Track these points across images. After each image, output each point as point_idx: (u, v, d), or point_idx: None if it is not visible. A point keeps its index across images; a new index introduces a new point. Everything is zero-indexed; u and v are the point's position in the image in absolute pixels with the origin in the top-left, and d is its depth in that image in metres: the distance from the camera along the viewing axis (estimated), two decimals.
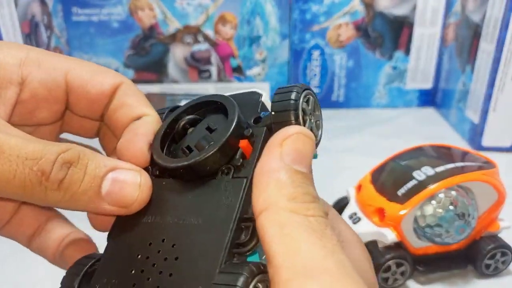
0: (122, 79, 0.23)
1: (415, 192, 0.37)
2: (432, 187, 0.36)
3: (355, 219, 0.39)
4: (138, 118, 0.22)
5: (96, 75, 0.23)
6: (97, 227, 0.22)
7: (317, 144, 0.20)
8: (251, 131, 0.20)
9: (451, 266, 0.40)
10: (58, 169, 0.18)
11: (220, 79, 0.78)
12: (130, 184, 0.20)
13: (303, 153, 0.18)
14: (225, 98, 0.21)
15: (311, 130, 0.20)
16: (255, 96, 0.22)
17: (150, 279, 0.18)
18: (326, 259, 0.15)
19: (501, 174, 0.39)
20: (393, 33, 0.75)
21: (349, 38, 0.75)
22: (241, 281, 0.15)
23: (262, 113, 0.21)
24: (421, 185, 0.37)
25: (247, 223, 0.18)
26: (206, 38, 0.75)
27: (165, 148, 0.21)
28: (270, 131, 0.20)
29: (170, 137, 0.22)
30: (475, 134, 0.63)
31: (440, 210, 0.36)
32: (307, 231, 0.16)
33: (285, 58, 0.76)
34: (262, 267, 0.16)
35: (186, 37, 0.75)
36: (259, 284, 0.16)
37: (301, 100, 0.20)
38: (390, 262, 0.37)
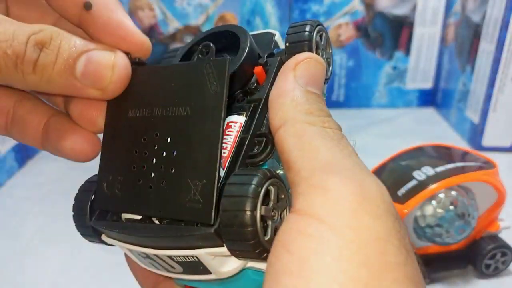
0: None
1: (415, 192, 0.37)
2: (432, 187, 0.36)
3: None
4: (85, 3, 0.20)
5: None
6: (83, 124, 0.21)
7: (327, 80, 0.21)
8: (265, 59, 0.20)
9: (451, 266, 0.40)
10: (31, 50, 0.18)
11: None
12: (104, 64, 0.19)
13: (315, 75, 0.19)
14: (237, 28, 0.21)
15: None
16: (269, 35, 0.22)
17: (153, 174, 0.18)
18: (345, 159, 0.16)
19: (501, 174, 0.39)
20: (393, 33, 0.75)
21: (349, 38, 0.75)
22: (255, 180, 0.16)
23: (275, 49, 0.22)
24: (421, 185, 0.37)
25: (260, 138, 0.19)
26: None
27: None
28: (284, 62, 0.20)
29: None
30: (475, 134, 0.63)
31: (440, 210, 0.36)
32: (325, 138, 0.17)
33: None
34: (274, 173, 0.17)
35: (186, 37, 0.75)
36: (271, 187, 0.16)
37: (314, 33, 0.20)
38: None
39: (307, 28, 0.20)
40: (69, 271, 0.42)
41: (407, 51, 0.76)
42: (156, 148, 0.19)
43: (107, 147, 0.20)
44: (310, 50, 0.20)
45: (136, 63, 0.20)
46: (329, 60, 0.22)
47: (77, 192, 0.21)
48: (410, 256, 0.15)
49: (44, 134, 0.22)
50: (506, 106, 0.60)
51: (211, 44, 0.21)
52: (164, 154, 0.18)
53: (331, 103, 0.78)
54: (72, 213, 0.20)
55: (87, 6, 0.19)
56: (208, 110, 0.18)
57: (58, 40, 0.18)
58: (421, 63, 0.77)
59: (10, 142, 0.58)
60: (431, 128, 0.72)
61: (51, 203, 0.53)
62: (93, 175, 0.21)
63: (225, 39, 0.21)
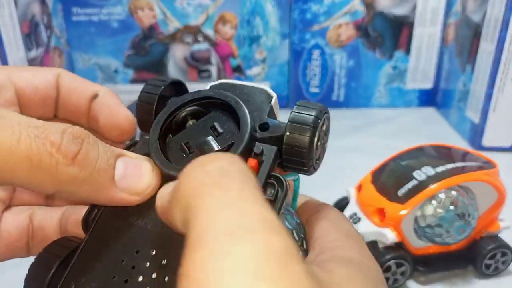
0: (58, 70, 0.23)
1: (415, 192, 0.37)
2: (432, 187, 0.36)
3: (355, 219, 0.39)
4: (94, 95, 0.22)
5: (38, 72, 0.23)
6: None
7: (318, 166, 0.20)
8: (261, 148, 0.19)
9: (451, 266, 0.40)
10: (70, 140, 0.16)
11: (220, 79, 0.78)
12: (144, 167, 0.18)
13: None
14: (237, 103, 0.19)
15: (318, 153, 0.20)
16: (266, 96, 0.20)
17: None
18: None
19: (501, 174, 0.39)
20: (393, 33, 0.75)
21: (349, 38, 0.75)
22: None
23: (270, 120, 0.20)
24: (422, 185, 0.37)
25: None
26: (206, 38, 0.75)
27: (158, 138, 0.19)
28: (280, 152, 0.19)
29: (165, 124, 0.20)
30: (475, 134, 0.63)
31: (440, 210, 0.36)
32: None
33: (285, 58, 0.76)
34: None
35: (186, 37, 0.75)
36: None
37: (322, 120, 0.19)
38: (391, 262, 0.37)
39: (315, 113, 0.18)
40: None
41: (407, 51, 0.76)
42: (147, 265, 0.17)
43: (91, 245, 0.18)
44: (312, 137, 0.18)
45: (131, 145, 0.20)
46: (325, 145, 0.21)
47: (28, 272, 0.19)
48: None
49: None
50: (506, 106, 0.60)
51: (202, 111, 0.20)
52: (154, 275, 0.17)
53: (331, 103, 0.78)
54: None
55: (95, 96, 0.22)
56: None
57: (94, 139, 0.18)
58: (421, 63, 0.77)
59: None
60: (431, 128, 0.72)
61: None
62: (54, 242, 0.19)
63: (219, 104, 0.20)
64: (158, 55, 0.76)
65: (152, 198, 0.18)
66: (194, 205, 0.14)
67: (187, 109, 0.20)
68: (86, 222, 0.19)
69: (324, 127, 0.19)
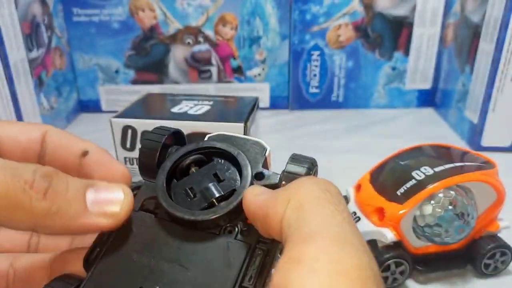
0: (46, 127, 0.24)
1: (414, 192, 0.37)
2: (431, 187, 0.36)
3: (354, 218, 0.39)
4: (83, 152, 0.23)
5: (24, 127, 0.23)
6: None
7: None
8: None
9: (451, 266, 0.40)
10: (41, 178, 0.18)
11: (220, 79, 0.78)
12: (115, 191, 0.20)
13: None
14: (239, 154, 0.22)
15: None
16: (260, 149, 0.23)
17: None
18: (334, 227, 0.17)
19: (501, 174, 0.39)
20: (393, 34, 0.75)
21: (349, 39, 0.75)
22: None
23: (264, 170, 0.22)
24: (420, 185, 0.37)
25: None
26: (207, 39, 0.75)
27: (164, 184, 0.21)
28: None
29: (170, 171, 0.22)
30: (474, 134, 0.63)
31: (439, 210, 0.36)
32: (322, 204, 0.18)
33: (285, 59, 0.76)
34: None
35: (187, 38, 0.75)
36: None
37: (312, 172, 0.21)
38: (390, 262, 0.37)
39: (307, 166, 0.21)
40: None
41: (407, 52, 0.76)
42: None
43: (95, 282, 0.19)
44: None
45: (146, 210, 0.21)
46: None
47: None
48: None
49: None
50: (505, 106, 0.60)
51: (205, 160, 0.22)
52: None
53: (331, 104, 0.79)
54: None
55: (85, 153, 0.23)
56: (218, 278, 0.18)
57: (63, 175, 0.19)
58: (420, 63, 0.77)
59: None
60: (430, 128, 0.72)
61: None
62: (56, 279, 0.20)
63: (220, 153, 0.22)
64: (159, 56, 0.76)
65: (150, 235, 0.20)
66: (307, 208, 0.17)
67: (191, 157, 0.22)
68: (87, 260, 0.20)
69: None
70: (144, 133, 0.47)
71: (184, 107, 0.49)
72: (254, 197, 0.19)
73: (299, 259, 0.15)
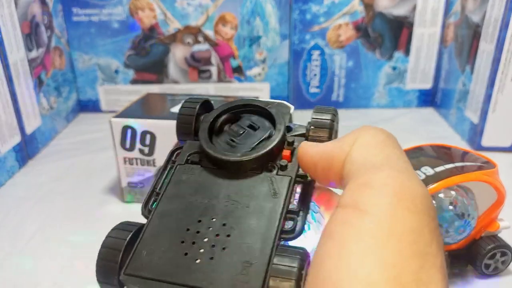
0: None
1: None
2: (431, 187, 0.36)
3: None
4: None
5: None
6: None
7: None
8: (293, 138, 0.23)
9: (451, 266, 0.40)
10: None
11: (220, 79, 0.78)
12: None
13: None
14: (269, 107, 0.24)
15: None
16: (286, 108, 0.26)
17: (202, 250, 0.19)
18: (397, 161, 0.19)
19: (501, 174, 0.39)
20: (393, 33, 0.75)
21: (349, 39, 0.75)
22: (297, 263, 0.18)
23: (290, 124, 0.25)
24: None
25: (291, 214, 0.21)
26: (206, 39, 0.75)
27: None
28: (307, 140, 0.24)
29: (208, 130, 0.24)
30: (475, 134, 0.63)
31: (440, 210, 0.36)
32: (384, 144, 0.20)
33: (285, 59, 0.76)
34: (307, 253, 0.19)
35: (186, 38, 0.75)
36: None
37: (335, 122, 0.24)
38: None
39: (329, 117, 0.24)
40: (69, 271, 0.42)
41: (407, 52, 0.76)
42: (210, 229, 0.20)
43: (156, 220, 0.21)
44: (330, 136, 0.23)
45: (193, 162, 0.23)
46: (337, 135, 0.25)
47: (100, 248, 0.21)
48: (440, 251, 0.17)
49: None
50: (505, 106, 0.60)
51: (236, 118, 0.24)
52: (218, 235, 0.20)
53: (331, 104, 0.79)
54: (96, 270, 0.21)
55: None
56: (266, 208, 0.20)
57: None
58: (420, 63, 0.77)
59: (11, 142, 0.58)
60: (430, 128, 0.72)
61: (51, 203, 0.53)
62: (116, 227, 0.21)
63: (249, 108, 0.25)
64: (159, 56, 0.76)
65: (200, 180, 0.22)
66: (374, 146, 0.19)
67: (224, 116, 0.25)
68: (146, 206, 0.22)
69: (336, 126, 0.25)
70: (143, 133, 0.46)
71: None
72: (311, 147, 0.21)
73: (369, 184, 0.17)
